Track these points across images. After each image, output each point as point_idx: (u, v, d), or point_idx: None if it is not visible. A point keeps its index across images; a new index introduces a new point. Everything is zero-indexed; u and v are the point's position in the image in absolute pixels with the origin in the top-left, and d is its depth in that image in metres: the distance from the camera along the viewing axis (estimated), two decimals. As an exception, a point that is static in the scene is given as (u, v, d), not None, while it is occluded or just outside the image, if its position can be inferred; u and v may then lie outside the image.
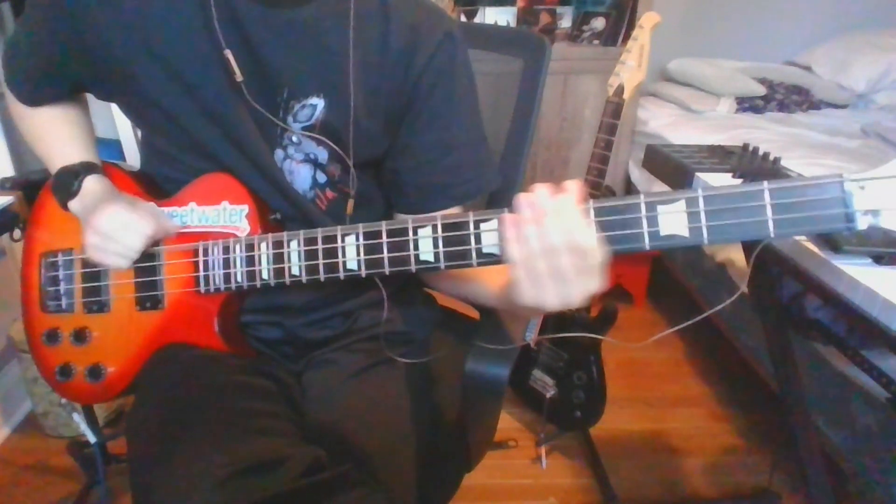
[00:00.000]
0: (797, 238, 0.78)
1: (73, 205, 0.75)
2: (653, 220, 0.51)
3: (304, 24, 0.68)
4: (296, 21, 0.67)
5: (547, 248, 0.50)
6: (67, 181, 0.76)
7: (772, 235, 0.48)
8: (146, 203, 0.74)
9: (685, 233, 0.50)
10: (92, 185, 0.75)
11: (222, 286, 0.72)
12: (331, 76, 0.70)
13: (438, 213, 0.58)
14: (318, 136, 0.73)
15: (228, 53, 0.67)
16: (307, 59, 0.69)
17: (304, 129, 0.73)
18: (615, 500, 1.40)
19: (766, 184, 0.48)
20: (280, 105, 0.71)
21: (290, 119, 0.72)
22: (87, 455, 1.28)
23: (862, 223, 0.46)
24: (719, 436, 1.63)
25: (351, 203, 0.76)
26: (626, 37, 1.88)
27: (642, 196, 0.51)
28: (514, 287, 0.54)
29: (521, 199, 0.51)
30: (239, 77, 0.67)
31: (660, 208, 0.51)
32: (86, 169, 0.77)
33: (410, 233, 0.59)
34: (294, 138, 0.73)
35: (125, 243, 0.70)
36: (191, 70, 0.68)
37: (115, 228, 0.69)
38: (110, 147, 1.66)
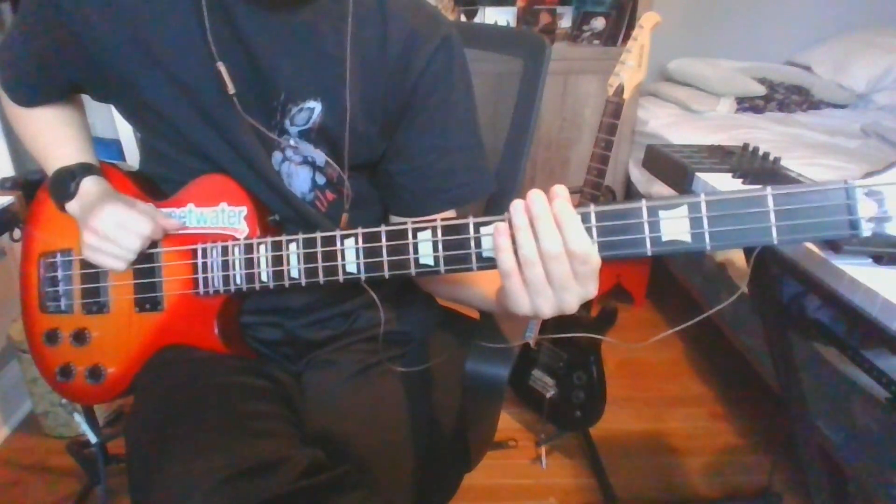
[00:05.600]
0: (797, 238, 0.78)
1: (71, 206, 0.75)
2: (654, 226, 0.50)
3: (301, 26, 0.67)
4: (293, 24, 0.67)
5: (542, 254, 0.49)
6: (64, 182, 0.75)
7: (775, 242, 0.47)
8: (145, 204, 0.74)
9: (687, 238, 0.49)
10: (89, 186, 0.75)
11: (221, 288, 0.72)
12: (328, 80, 0.70)
13: (438, 217, 0.58)
14: (313, 141, 0.73)
15: (221, 66, 0.66)
16: (304, 63, 0.69)
17: (301, 132, 0.72)
18: (615, 500, 1.40)
19: (769, 189, 0.47)
20: (277, 109, 0.70)
21: (287, 122, 0.71)
22: (87, 455, 1.29)
23: (866, 230, 0.46)
24: (719, 436, 1.63)
25: (345, 217, 0.75)
26: (626, 37, 1.88)
27: (644, 201, 0.50)
28: (507, 295, 0.53)
29: (515, 205, 0.50)
30: (231, 90, 0.67)
31: (661, 213, 0.50)
32: (83, 170, 0.76)
33: (410, 236, 0.59)
34: (291, 141, 0.73)
35: (122, 244, 0.70)
36: (187, 75, 0.67)
37: (111, 228, 0.69)
38: (110, 147, 1.66)
